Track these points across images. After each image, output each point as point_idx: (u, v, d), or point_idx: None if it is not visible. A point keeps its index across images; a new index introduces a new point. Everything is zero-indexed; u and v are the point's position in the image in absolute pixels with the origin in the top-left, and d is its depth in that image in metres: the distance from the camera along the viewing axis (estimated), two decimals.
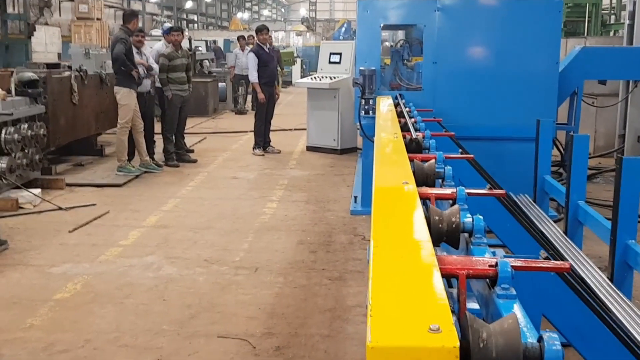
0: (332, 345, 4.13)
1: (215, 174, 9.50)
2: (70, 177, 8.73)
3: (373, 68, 6.85)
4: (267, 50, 11.02)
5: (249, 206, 7.62)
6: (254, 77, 10.86)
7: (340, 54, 11.29)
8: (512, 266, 1.72)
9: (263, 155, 10.98)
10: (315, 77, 11.45)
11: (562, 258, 4.13)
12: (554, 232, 4.84)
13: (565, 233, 4.93)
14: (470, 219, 2.19)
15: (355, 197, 7.57)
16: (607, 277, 4.01)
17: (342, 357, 4.01)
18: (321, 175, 9.51)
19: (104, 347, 4.07)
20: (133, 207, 7.48)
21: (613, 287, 3.80)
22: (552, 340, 1.26)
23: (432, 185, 2.89)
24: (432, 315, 1.22)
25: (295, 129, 13.87)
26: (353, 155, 11.07)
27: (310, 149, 11.45)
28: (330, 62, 11.38)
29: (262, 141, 11.16)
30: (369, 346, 1.12)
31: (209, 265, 5.54)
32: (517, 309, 1.64)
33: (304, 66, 27.46)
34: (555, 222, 5.58)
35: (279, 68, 12.05)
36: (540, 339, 1.28)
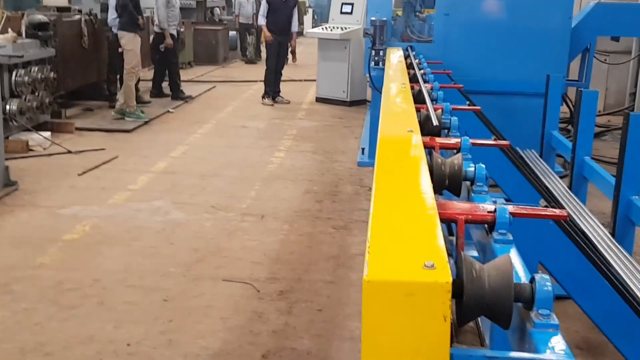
0: (335, 291, 4.22)
1: (225, 123, 9.52)
2: (80, 122, 8.77)
3: (384, 19, 6.78)
4: None
5: (257, 155, 7.66)
6: (261, 21, 10.97)
7: (352, 4, 11.14)
8: (510, 212, 1.76)
9: (272, 105, 10.96)
10: (326, 28, 11.33)
11: (567, 214, 4.17)
12: (558, 187, 4.87)
13: (570, 188, 4.96)
14: (473, 168, 2.23)
15: (363, 149, 7.59)
16: (609, 232, 4.05)
17: (344, 302, 4.10)
18: (330, 126, 9.52)
19: (112, 286, 4.17)
20: (142, 153, 7.53)
21: (614, 241, 3.85)
22: (544, 281, 1.31)
23: (438, 135, 2.91)
24: (428, 254, 1.26)
25: (305, 80, 13.79)
26: (362, 107, 11.04)
27: (319, 100, 11.41)
28: (342, 13, 11.24)
29: (272, 91, 11.14)
30: (365, 280, 1.16)
31: (216, 212, 5.62)
32: (514, 254, 1.68)
33: (315, 16, 27.11)
34: (560, 177, 5.60)
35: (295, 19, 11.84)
36: (532, 280, 1.32)
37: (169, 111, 9.98)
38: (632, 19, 7.17)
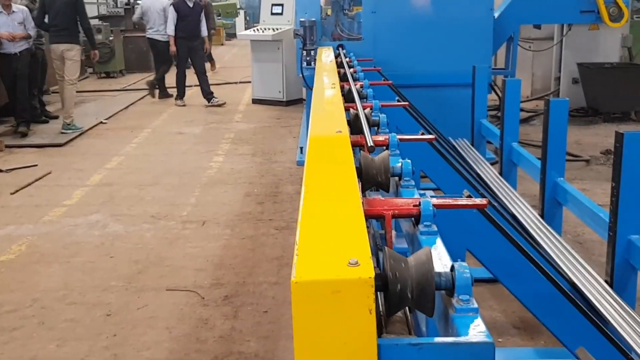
0: (279, 292, 4.26)
1: (160, 130, 9.43)
2: (9, 139, 8.54)
3: (313, 19, 6.85)
4: (190, 4, 11.10)
5: (195, 161, 7.62)
6: (170, 30, 11.14)
7: (282, 5, 11.18)
8: (433, 205, 1.84)
9: (184, 105, 11.27)
10: (257, 29, 11.34)
11: (496, 198, 4.32)
12: (489, 173, 5.03)
13: (501, 174, 5.13)
14: (399, 164, 2.30)
15: (301, 148, 7.64)
16: (539, 214, 4.22)
17: (289, 302, 4.11)
18: (267, 127, 9.53)
19: (52, 305, 4.10)
20: (76, 166, 7.39)
21: (543, 222, 4.01)
22: (463, 268, 1.38)
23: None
24: (352, 252, 1.32)
25: (240, 82, 13.76)
26: (299, 106, 11.08)
27: (256, 101, 11.41)
28: (272, 14, 11.27)
29: (183, 92, 11.44)
30: (293, 282, 1.21)
31: (156, 221, 5.58)
32: (439, 244, 1.76)
33: (247, 18, 27.00)
34: (492, 164, 5.78)
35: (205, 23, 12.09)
36: (452, 268, 1.40)
37: (101, 122, 9.81)
38: (550, 7, 7.44)
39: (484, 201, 1.86)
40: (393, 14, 6.95)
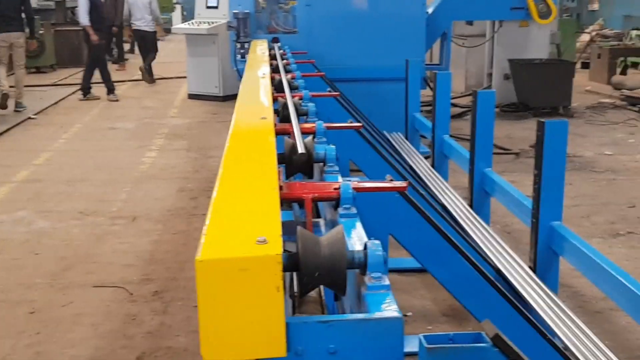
0: None
1: (92, 125, 9.18)
2: None
3: (247, 11, 6.79)
4: None
5: (127, 156, 7.45)
6: (84, 20, 10.74)
7: None
8: (354, 187, 1.83)
9: (87, 100, 10.94)
10: (193, 23, 11.18)
11: (428, 189, 4.37)
12: (422, 166, 5.09)
13: (433, 166, 5.19)
14: (323, 150, 2.28)
15: None
16: (468, 204, 4.29)
17: None
18: (203, 122, 9.41)
19: None
20: (2, 163, 7.13)
21: (472, 212, 4.07)
22: (376, 247, 1.37)
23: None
24: (263, 231, 1.29)
25: (176, 77, 13.54)
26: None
27: (192, 96, 11.24)
28: (207, 7, 11.12)
29: (88, 87, 11.05)
30: (198, 260, 1.17)
31: (84, 217, 5.42)
32: (359, 227, 1.75)
33: (184, 12, 26.61)
34: (426, 157, 5.85)
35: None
36: (365, 247, 1.38)
37: (30, 117, 9.49)
38: (481, 3, 7.59)
39: (404, 184, 1.86)
40: (327, 7, 6.95)
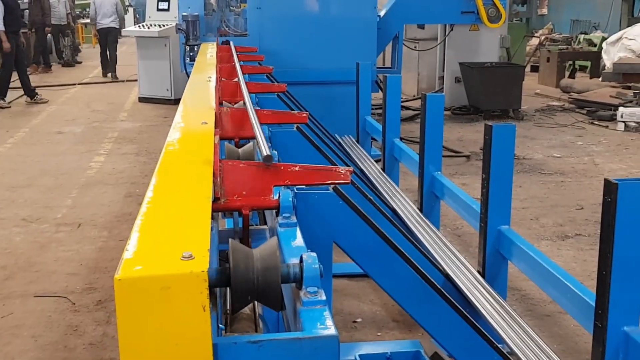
0: None
1: (39, 129, 8.93)
2: None
3: (196, 13, 6.67)
4: None
5: (74, 161, 7.25)
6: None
7: (168, 1, 10.89)
8: (296, 189, 1.77)
9: (10, 107, 10.54)
10: (143, 25, 10.99)
11: (378, 193, 4.33)
12: (372, 169, 5.05)
13: (384, 170, 5.17)
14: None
15: None
16: (418, 208, 4.27)
17: None
18: (153, 126, 9.24)
19: None
20: None
21: (422, 216, 4.05)
22: (312, 259, 1.31)
23: None
24: (190, 245, 1.22)
25: (127, 80, 13.30)
26: None
27: (142, 100, 11.05)
28: (158, 10, 10.96)
29: (6, 91, 10.71)
30: (116, 279, 1.09)
31: (28, 224, 5.23)
32: (298, 236, 1.69)
33: (137, 15, 26.18)
34: (377, 161, 5.83)
35: None
36: (301, 260, 1.32)
37: None
38: (432, 7, 7.63)
39: (347, 172, 1.80)
40: (278, 10, 6.89)
